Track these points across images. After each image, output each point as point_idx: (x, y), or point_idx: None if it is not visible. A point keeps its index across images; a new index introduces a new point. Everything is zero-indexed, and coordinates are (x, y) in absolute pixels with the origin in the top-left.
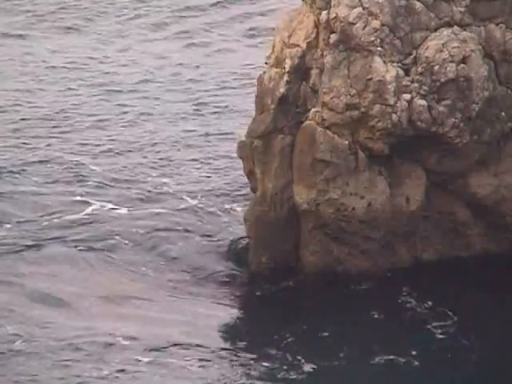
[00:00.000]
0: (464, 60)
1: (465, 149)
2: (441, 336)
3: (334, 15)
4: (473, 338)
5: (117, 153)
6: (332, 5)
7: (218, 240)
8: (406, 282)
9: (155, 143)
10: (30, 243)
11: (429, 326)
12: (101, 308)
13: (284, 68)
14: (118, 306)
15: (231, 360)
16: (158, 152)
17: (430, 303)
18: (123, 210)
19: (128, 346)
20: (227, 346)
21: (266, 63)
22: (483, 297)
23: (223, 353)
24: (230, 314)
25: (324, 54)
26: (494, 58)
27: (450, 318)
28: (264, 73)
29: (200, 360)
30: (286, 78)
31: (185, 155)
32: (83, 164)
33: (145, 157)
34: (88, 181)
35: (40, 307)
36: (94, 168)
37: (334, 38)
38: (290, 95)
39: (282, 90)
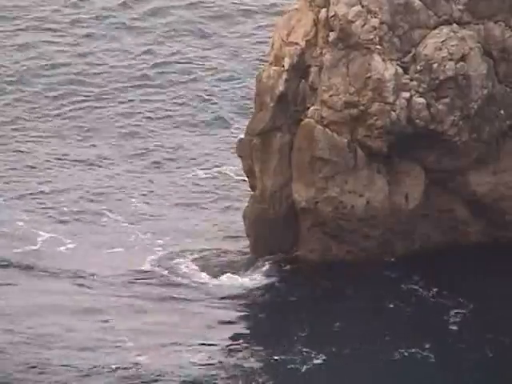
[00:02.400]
0: (463, 58)
1: (464, 147)
2: (454, 327)
3: (333, 13)
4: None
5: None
6: (331, 3)
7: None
8: (410, 271)
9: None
10: None
11: (439, 315)
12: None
13: (283, 66)
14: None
15: (241, 354)
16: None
17: (436, 290)
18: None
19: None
20: (235, 340)
21: (265, 61)
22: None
23: (232, 347)
24: (234, 312)
25: (323, 51)
26: (493, 56)
27: (460, 305)
28: (263, 71)
29: (207, 354)
30: (284, 75)
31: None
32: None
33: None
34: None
35: None
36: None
37: (333, 35)
38: (288, 93)
39: (280, 87)
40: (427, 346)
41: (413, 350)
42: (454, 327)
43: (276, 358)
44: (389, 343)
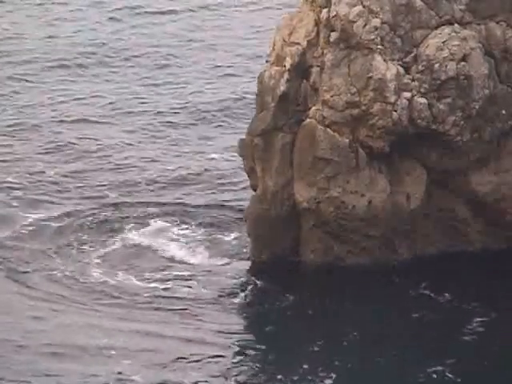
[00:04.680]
0: (464, 58)
1: (465, 147)
2: (474, 336)
3: (335, 13)
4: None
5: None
6: (332, 3)
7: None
8: (414, 275)
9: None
10: None
11: (457, 323)
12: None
13: (284, 66)
14: None
15: (241, 373)
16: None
17: (447, 296)
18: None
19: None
20: (234, 357)
21: (266, 61)
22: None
23: (231, 364)
24: (232, 324)
25: (324, 52)
26: (494, 56)
27: (479, 311)
28: (264, 71)
29: (204, 372)
30: (286, 76)
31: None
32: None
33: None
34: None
35: None
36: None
37: (334, 36)
38: (290, 93)
39: (282, 88)
40: (448, 361)
41: (433, 368)
42: (474, 337)
43: (279, 377)
44: (405, 359)
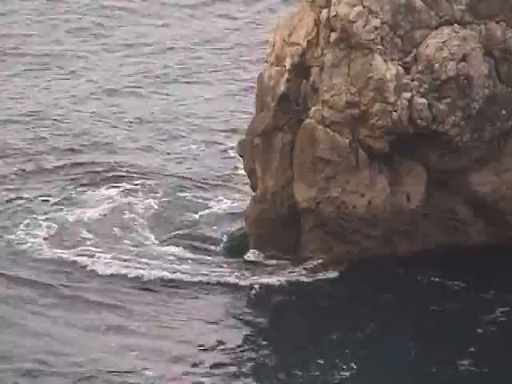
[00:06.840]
0: (464, 58)
1: (465, 147)
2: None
3: (335, 13)
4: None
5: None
6: (332, 3)
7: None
8: (419, 264)
9: None
10: None
11: (478, 313)
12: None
13: (284, 66)
14: None
15: (252, 370)
16: None
17: (462, 284)
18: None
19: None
20: (237, 350)
21: (266, 61)
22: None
23: (241, 358)
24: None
25: (324, 52)
26: (494, 56)
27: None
28: (264, 71)
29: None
30: (286, 76)
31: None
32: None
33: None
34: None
35: None
36: None
37: (334, 36)
38: (290, 93)
39: (282, 88)
40: (471, 351)
41: (457, 360)
42: (496, 327)
43: (299, 372)
44: (426, 351)
